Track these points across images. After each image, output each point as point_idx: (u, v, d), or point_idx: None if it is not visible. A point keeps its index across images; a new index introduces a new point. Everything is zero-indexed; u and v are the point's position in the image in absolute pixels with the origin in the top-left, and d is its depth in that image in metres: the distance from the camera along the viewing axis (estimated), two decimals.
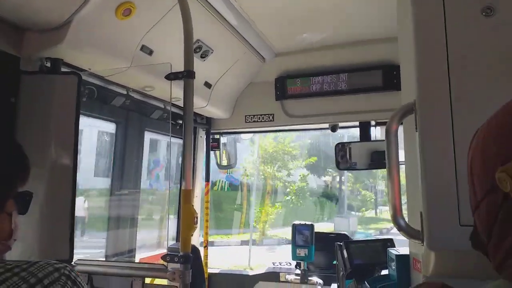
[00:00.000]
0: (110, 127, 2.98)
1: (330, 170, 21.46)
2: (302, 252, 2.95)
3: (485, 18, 1.23)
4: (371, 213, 25.30)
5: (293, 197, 18.89)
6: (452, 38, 1.25)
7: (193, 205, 1.78)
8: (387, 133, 1.30)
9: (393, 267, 1.60)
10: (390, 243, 2.37)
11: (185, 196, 1.73)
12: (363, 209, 24.62)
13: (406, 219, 1.27)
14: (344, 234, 3.44)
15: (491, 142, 0.70)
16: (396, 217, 1.23)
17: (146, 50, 2.32)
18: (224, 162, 3.94)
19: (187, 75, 1.73)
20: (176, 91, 2.00)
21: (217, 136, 3.79)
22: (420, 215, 1.20)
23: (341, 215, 21.64)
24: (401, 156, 1.51)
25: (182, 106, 1.84)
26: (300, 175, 20.05)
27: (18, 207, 1.13)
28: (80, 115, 2.05)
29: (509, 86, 1.18)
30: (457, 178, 1.16)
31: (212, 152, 3.79)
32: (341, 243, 2.48)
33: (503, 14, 1.22)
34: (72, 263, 2.00)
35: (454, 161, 1.17)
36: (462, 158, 1.16)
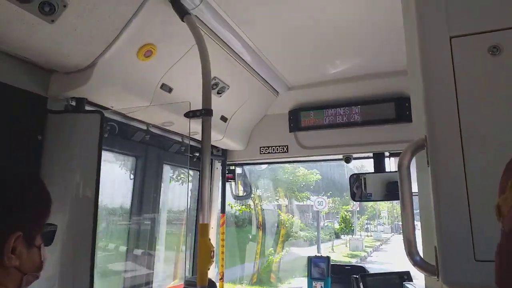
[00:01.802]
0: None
1: None
2: (318, 285, 2.92)
3: (492, 57, 1.27)
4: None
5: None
6: (460, 76, 1.28)
7: (210, 239, 1.82)
8: (400, 168, 1.32)
9: None
10: (407, 276, 2.34)
11: (202, 230, 1.76)
12: None
13: (421, 254, 1.28)
14: (361, 267, 3.40)
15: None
16: (411, 252, 1.24)
17: (166, 88, 2.43)
18: (240, 193, 3.98)
19: (205, 113, 1.80)
20: (193, 126, 2.07)
21: (232, 167, 3.85)
22: (435, 249, 1.21)
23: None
24: (415, 187, 1.53)
25: (199, 139, 1.90)
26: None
27: (44, 239, 1.19)
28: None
29: None
30: (471, 213, 1.17)
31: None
32: (357, 276, 2.46)
33: (510, 53, 1.26)
34: None
35: (467, 196, 1.19)
36: (475, 193, 1.18)
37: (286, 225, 18.69)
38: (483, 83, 1.26)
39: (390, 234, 43.79)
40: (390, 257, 22.05)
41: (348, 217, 33.84)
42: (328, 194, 30.60)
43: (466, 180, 1.19)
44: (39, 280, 1.21)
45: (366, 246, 29.94)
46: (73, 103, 2.14)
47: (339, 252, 25.64)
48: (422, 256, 1.26)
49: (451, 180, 1.21)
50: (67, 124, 2.09)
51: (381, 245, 35.15)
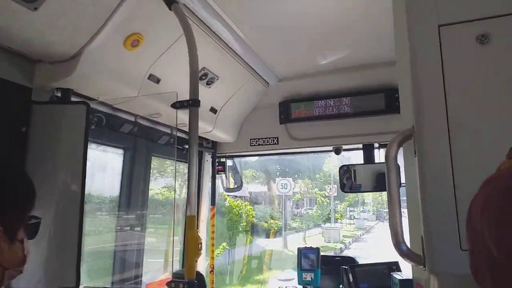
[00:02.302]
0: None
1: None
2: (308, 276, 2.93)
3: (480, 46, 1.27)
4: None
5: None
6: (448, 64, 1.28)
7: (197, 231, 1.80)
8: (387, 158, 1.32)
9: None
10: (395, 266, 2.36)
11: (189, 222, 1.74)
12: None
13: (408, 244, 1.28)
14: (351, 257, 3.42)
15: None
16: (398, 242, 1.24)
17: (154, 78, 2.40)
18: (231, 185, 3.97)
19: (192, 104, 1.77)
20: (182, 117, 2.05)
21: (222, 160, 3.83)
22: (421, 239, 1.22)
23: None
24: (403, 179, 1.53)
25: (187, 131, 1.88)
26: None
27: (27, 232, 1.16)
28: (89, 142, 2.10)
29: (505, 110, 1.21)
30: (457, 203, 1.17)
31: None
32: (346, 267, 2.47)
33: (498, 42, 1.26)
34: None
35: (453, 186, 1.19)
36: (461, 183, 1.18)
37: (234, 213, 16.29)
38: (471, 72, 1.26)
39: (374, 222, 41.55)
40: (371, 249, 20.55)
41: (326, 203, 31.31)
42: (295, 176, 29.08)
43: (452, 170, 1.19)
44: (24, 274, 1.19)
45: (345, 236, 28.10)
46: (59, 94, 2.11)
47: (311, 244, 23.62)
48: (409, 246, 1.26)
49: (438, 170, 1.21)
50: (52, 116, 2.05)
51: (362, 234, 32.45)
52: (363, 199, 43.02)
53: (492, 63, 1.25)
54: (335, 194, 32.05)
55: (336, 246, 24.01)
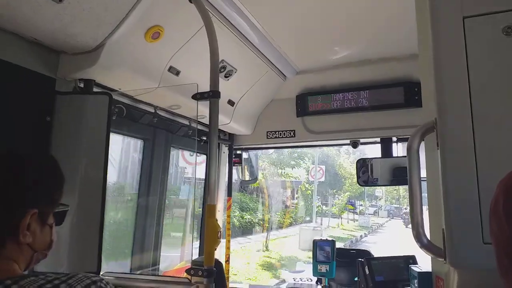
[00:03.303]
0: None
1: None
2: (323, 268, 2.95)
3: (505, 37, 1.25)
4: None
5: None
6: (473, 56, 1.27)
7: (217, 220, 1.83)
8: (409, 151, 1.32)
9: (416, 285, 1.60)
10: (412, 260, 2.35)
11: (209, 211, 1.77)
12: None
13: (428, 237, 1.28)
14: (366, 251, 3.42)
15: None
16: (418, 235, 1.24)
17: (173, 71, 2.42)
18: (246, 177, 4.00)
19: (213, 95, 1.79)
20: (200, 109, 2.08)
21: (239, 152, 3.86)
22: (442, 232, 1.21)
23: None
24: (422, 173, 1.53)
25: (206, 123, 1.90)
26: None
27: (56, 219, 1.20)
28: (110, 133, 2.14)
29: None
30: (480, 196, 1.17)
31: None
32: (362, 260, 2.48)
33: None
34: (100, 275, 2.07)
35: (476, 179, 1.18)
36: (484, 176, 1.18)
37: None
38: (496, 64, 1.24)
39: (385, 218, 33.96)
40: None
41: (309, 193, 23.64)
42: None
43: (476, 162, 1.19)
44: (47, 259, 1.23)
45: (338, 238, 17.64)
46: (81, 85, 2.15)
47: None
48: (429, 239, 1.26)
49: (461, 163, 1.21)
50: (75, 106, 2.10)
51: (363, 236, 23.60)
52: (372, 191, 34.99)
53: None
54: (322, 179, 24.14)
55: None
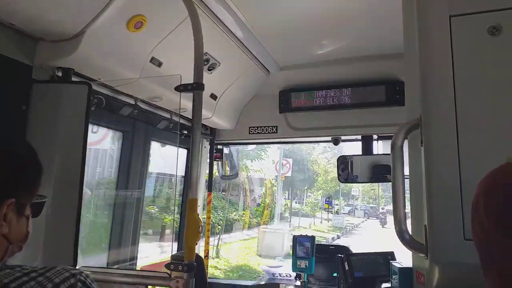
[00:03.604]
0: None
1: None
2: (302, 264, 2.96)
3: (491, 37, 1.27)
4: None
5: None
6: (458, 55, 1.28)
7: (198, 214, 1.81)
8: (393, 147, 1.33)
9: (396, 280, 1.62)
10: (391, 256, 2.39)
11: (190, 205, 1.74)
12: None
13: (410, 232, 1.29)
14: (345, 247, 3.45)
15: None
16: (401, 231, 1.26)
17: (155, 62, 2.37)
18: (227, 173, 3.98)
19: (196, 87, 1.76)
20: (182, 102, 2.04)
21: (220, 147, 3.83)
22: (424, 228, 1.23)
23: None
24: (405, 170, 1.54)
25: (188, 117, 1.87)
26: None
27: (32, 211, 1.16)
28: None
29: None
30: (462, 193, 1.18)
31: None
32: (342, 256, 2.50)
33: (509, 34, 1.26)
34: None
35: (459, 176, 1.20)
36: (467, 173, 1.19)
37: None
38: (481, 63, 1.26)
39: (361, 218, 31.54)
40: None
41: (275, 189, 21.02)
42: None
43: (459, 159, 1.20)
44: (22, 252, 1.18)
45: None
46: (60, 73, 2.08)
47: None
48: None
49: (444, 160, 1.22)
50: (53, 95, 2.03)
51: (335, 238, 22.04)
52: (347, 190, 33.18)
53: (502, 55, 1.25)
54: (288, 174, 21.53)
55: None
